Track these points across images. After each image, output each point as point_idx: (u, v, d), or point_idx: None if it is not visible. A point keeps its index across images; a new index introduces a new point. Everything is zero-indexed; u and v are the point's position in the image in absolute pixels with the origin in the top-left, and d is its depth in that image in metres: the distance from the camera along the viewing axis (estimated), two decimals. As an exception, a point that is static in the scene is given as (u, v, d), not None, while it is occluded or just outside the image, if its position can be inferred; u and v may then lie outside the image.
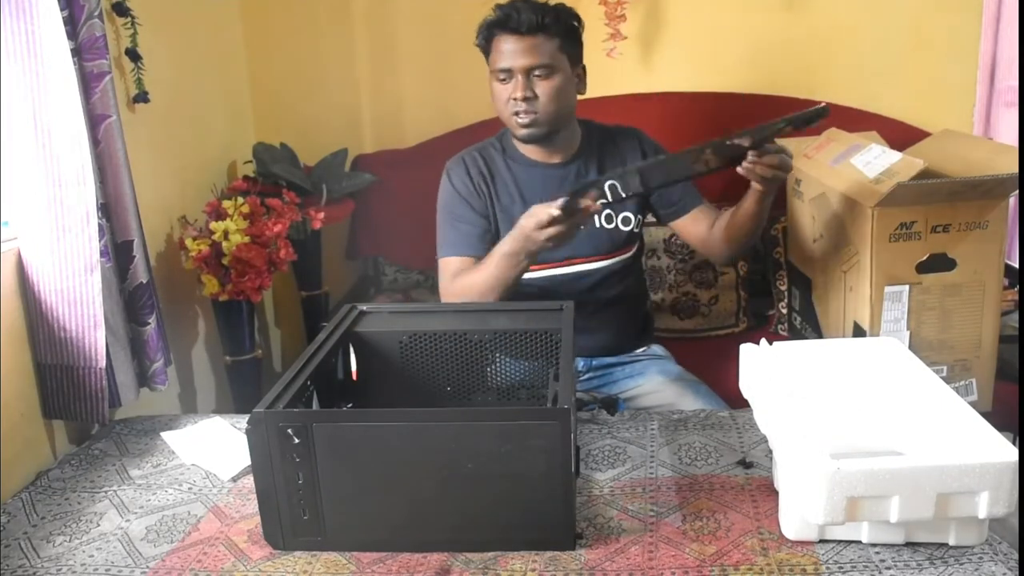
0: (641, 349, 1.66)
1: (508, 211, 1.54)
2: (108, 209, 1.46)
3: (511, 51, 1.44)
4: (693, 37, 2.26)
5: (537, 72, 1.44)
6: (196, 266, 1.79)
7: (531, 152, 1.56)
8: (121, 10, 1.65)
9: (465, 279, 1.47)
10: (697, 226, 1.59)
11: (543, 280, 1.57)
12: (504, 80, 1.46)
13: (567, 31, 1.47)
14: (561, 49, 1.46)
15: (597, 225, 1.55)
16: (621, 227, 1.57)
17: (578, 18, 1.51)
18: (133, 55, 1.69)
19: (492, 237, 1.54)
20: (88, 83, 1.40)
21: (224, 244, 1.77)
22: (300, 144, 2.24)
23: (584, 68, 1.55)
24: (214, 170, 2.11)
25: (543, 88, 1.45)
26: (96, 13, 1.39)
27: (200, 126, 2.06)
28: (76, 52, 1.37)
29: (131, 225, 1.49)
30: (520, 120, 1.47)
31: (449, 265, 1.52)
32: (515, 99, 1.45)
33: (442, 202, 1.57)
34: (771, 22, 2.23)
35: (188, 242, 1.78)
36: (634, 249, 1.63)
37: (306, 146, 2.24)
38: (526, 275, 1.55)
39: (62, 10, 1.29)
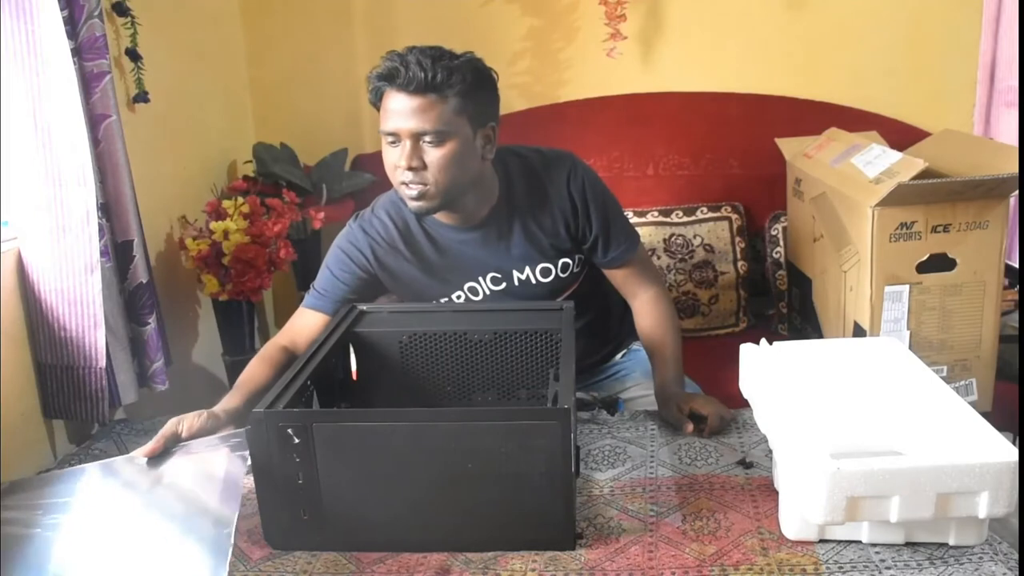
0: (622, 352, 1.62)
1: (427, 275, 1.42)
2: (108, 209, 1.46)
3: (397, 112, 1.23)
4: (693, 37, 2.26)
5: (427, 139, 1.24)
6: (196, 266, 1.79)
7: (441, 215, 1.38)
8: (121, 10, 1.65)
9: (266, 348, 1.39)
10: (620, 275, 1.47)
11: None
12: (392, 143, 1.27)
13: (468, 90, 1.24)
14: (460, 111, 1.24)
15: (533, 282, 1.42)
16: (560, 275, 1.43)
17: (484, 72, 1.29)
18: (133, 55, 1.69)
19: (353, 300, 1.41)
20: (88, 83, 1.40)
21: (224, 244, 1.77)
22: (300, 144, 2.24)
23: (494, 128, 1.32)
24: (214, 170, 2.11)
25: (433, 157, 1.24)
26: (96, 13, 1.39)
27: (200, 126, 2.06)
28: (76, 52, 1.37)
29: (131, 225, 1.49)
30: (408, 192, 1.28)
31: (300, 312, 1.44)
32: (400, 167, 1.26)
33: (333, 247, 1.45)
34: (771, 22, 2.23)
35: (188, 242, 1.78)
36: (578, 283, 1.47)
37: (306, 146, 2.24)
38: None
39: (62, 10, 1.29)
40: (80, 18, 1.37)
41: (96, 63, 1.40)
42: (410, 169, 1.25)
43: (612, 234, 1.42)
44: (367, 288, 1.44)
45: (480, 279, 1.43)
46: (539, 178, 1.40)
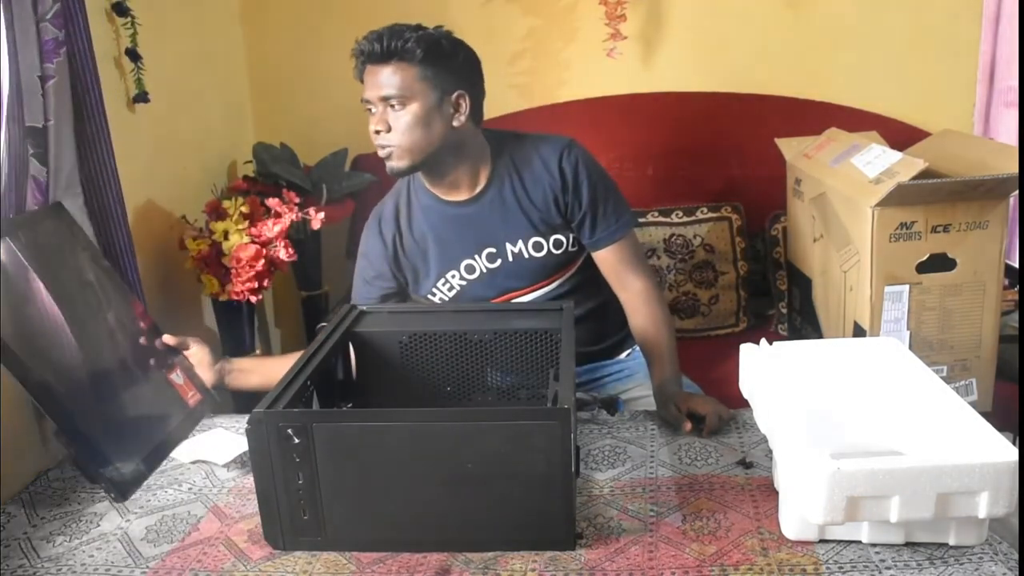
0: (625, 353, 1.62)
1: (427, 254, 1.50)
2: (96, 213, 1.46)
3: (369, 81, 1.37)
4: (693, 37, 2.26)
5: (391, 102, 1.35)
6: (196, 266, 1.79)
7: (435, 189, 1.48)
8: (121, 10, 1.65)
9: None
10: (608, 260, 1.49)
11: None
12: (371, 112, 1.39)
13: (431, 56, 1.34)
14: (421, 77, 1.34)
15: (526, 256, 1.47)
16: (554, 251, 1.47)
17: (443, 42, 1.38)
18: (133, 55, 1.69)
19: (397, 296, 1.54)
20: (82, 83, 1.40)
21: (224, 244, 1.77)
22: (300, 144, 2.24)
23: (466, 95, 1.39)
24: (214, 170, 2.11)
25: (395, 119, 1.36)
26: (84, 16, 1.40)
27: (200, 126, 2.06)
28: (71, 53, 1.37)
29: (119, 227, 1.49)
30: (381, 154, 1.40)
31: None
32: (372, 132, 1.39)
33: (359, 251, 1.56)
34: (772, 22, 2.23)
35: (188, 242, 1.78)
36: (575, 267, 1.51)
37: (306, 146, 2.24)
38: None
39: (59, 11, 1.30)
40: (75, 19, 1.38)
41: (86, 64, 1.41)
42: (377, 132, 1.38)
43: (600, 214, 1.46)
44: (394, 281, 1.53)
45: (476, 256, 1.48)
46: (533, 154, 1.47)
